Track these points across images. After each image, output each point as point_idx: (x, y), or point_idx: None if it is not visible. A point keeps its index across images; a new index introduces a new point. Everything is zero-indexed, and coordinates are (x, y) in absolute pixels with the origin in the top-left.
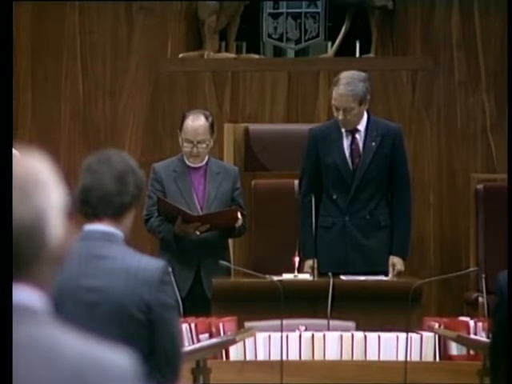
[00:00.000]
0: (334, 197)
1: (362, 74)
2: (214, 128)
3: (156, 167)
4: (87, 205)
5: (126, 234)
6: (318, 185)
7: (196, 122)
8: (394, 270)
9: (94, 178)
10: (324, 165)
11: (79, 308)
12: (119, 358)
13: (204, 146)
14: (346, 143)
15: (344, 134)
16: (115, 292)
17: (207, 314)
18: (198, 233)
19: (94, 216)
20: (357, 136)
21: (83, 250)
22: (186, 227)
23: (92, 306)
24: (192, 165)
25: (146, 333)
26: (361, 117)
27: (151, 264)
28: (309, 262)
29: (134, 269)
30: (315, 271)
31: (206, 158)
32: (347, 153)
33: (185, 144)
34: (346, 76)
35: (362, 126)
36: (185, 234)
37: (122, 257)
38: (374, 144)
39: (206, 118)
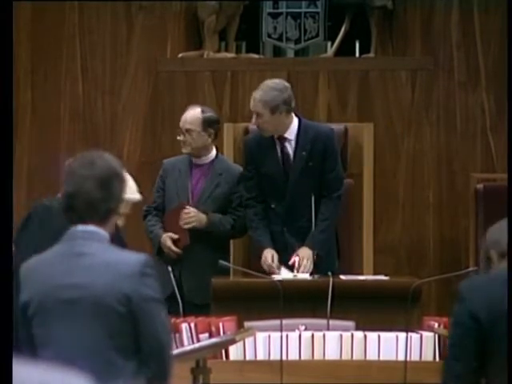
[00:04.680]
0: (273, 205)
1: (282, 84)
2: (211, 125)
3: (164, 163)
4: (72, 210)
5: (110, 234)
6: (258, 192)
7: (189, 112)
8: (300, 262)
9: (78, 183)
10: (260, 173)
11: (60, 306)
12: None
13: (192, 136)
14: (279, 152)
15: (276, 142)
16: (96, 287)
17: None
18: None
19: (80, 220)
20: (286, 145)
21: (65, 249)
22: (169, 251)
23: (73, 303)
24: (197, 162)
25: (129, 327)
26: (278, 125)
27: (132, 258)
28: (269, 252)
29: (114, 263)
30: (275, 260)
31: (212, 155)
32: (280, 162)
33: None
34: (265, 83)
35: (291, 135)
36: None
37: (102, 253)
38: (304, 153)
39: (202, 112)
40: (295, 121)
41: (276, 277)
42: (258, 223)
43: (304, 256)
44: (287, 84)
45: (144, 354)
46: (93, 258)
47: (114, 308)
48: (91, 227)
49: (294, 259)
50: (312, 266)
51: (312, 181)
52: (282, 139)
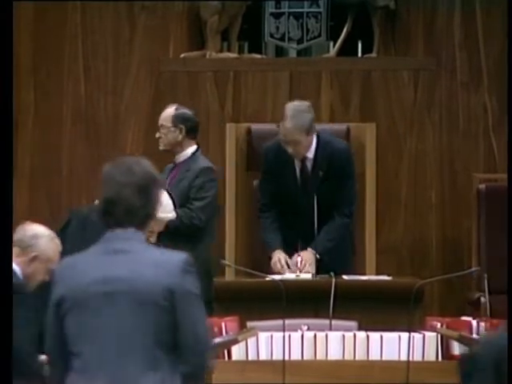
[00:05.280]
0: (289, 218)
1: (306, 104)
2: (183, 122)
3: (165, 167)
4: (111, 216)
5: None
6: (275, 200)
7: (165, 109)
8: (302, 263)
9: (116, 190)
10: (278, 186)
11: (99, 299)
12: None
13: (164, 132)
14: (298, 169)
15: (295, 160)
16: (138, 280)
17: None
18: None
19: (118, 225)
20: (307, 164)
21: (103, 248)
22: None
23: (113, 295)
24: (175, 160)
25: (170, 321)
26: (310, 145)
27: (174, 255)
28: (279, 253)
29: (156, 259)
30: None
31: (188, 153)
32: (299, 180)
33: None
34: (291, 109)
35: (310, 153)
36: None
37: (143, 250)
38: (321, 173)
39: (176, 109)
40: (314, 137)
41: (278, 277)
42: (269, 226)
43: (307, 260)
44: (308, 102)
45: (182, 348)
46: (134, 255)
47: (157, 301)
48: (130, 230)
49: (297, 259)
50: (313, 270)
51: (327, 199)
52: (303, 158)
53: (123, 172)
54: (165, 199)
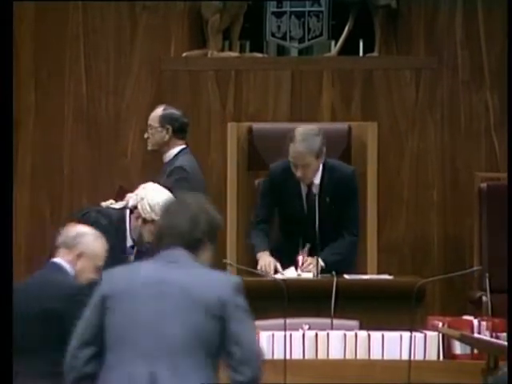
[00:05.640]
0: (291, 239)
1: (316, 128)
2: (170, 122)
3: None
4: (161, 239)
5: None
6: (272, 218)
7: (155, 109)
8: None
9: (169, 218)
10: (283, 208)
11: (145, 298)
12: None
13: (152, 132)
14: (304, 193)
15: (302, 185)
16: (190, 285)
17: None
18: None
19: (168, 248)
20: (313, 189)
21: (155, 261)
22: None
23: (162, 295)
24: (163, 160)
25: (217, 328)
26: (318, 169)
27: (227, 275)
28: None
29: (209, 273)
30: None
31: (172, 153)
32: (305, 205)
33: None
34: (301, 132)
35: (317, 178)
36: None
37: (196, 266)
38: (328, 199)
39: (164, 109)
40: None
41: (279, 276)
42: (259, 233)
43: (310, 260)
44: (317, 127)
45: (237, 359)
46: (186, 267)
47: (208, 308)
48: (179, 249)
49: (298, 258)
50: (315, 270)
51: (333, 224)
52: (310, 183)
53: (177, 204)
54: (158, 200)
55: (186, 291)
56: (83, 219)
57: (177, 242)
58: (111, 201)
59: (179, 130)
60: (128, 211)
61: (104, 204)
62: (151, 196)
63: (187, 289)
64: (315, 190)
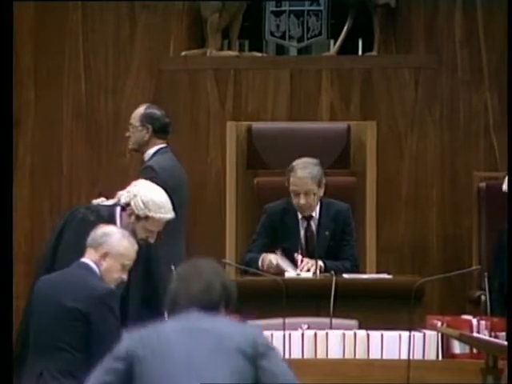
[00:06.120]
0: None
1: (315, 160)
2: (151, 121)
3: None
4: (177, 303)
5: None
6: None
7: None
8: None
9: (182, 283)
10: (280, 244)
11: (177, 347)
12: None
13: (132, 130)
14: (302, 231)
15: (300, 220)
16: (221, 330)
17: None
18: None
19: (184, 310)
20: (312, 223)
21: (176, 321)
22: None
23: (195, 343)
24: (144, 160)
25: (250, 370)
26: (318, 201)
27: (254, 329)
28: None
29: (236, 323)
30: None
31: (149, 153)
32: (303, 241)
33: None
34: (300, 162)
35: (315, 213)
36: None
37: (222, 319)
38: (327, 233)
39: (145, 108)
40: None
41: (279, 275)
42: (252, 253)
43: (310, 261)
44: (316, 159)
45: None
46: (213, 317)
47: (241, 349)
48: (200, 313)
49: (297, 258)
50: (314, 269)
51: (331, 257)
52: (308, 218)
53: (191, 270)
54: (163, 199)
55: (217, 337)
56: (71, 216)
57: (194, 305)
58: (102, 198)
59: (160, 130)
60: (119, 208)
61: (95, 201)
62: (144, 193)
63: (218, 335)
64: (314, 224)
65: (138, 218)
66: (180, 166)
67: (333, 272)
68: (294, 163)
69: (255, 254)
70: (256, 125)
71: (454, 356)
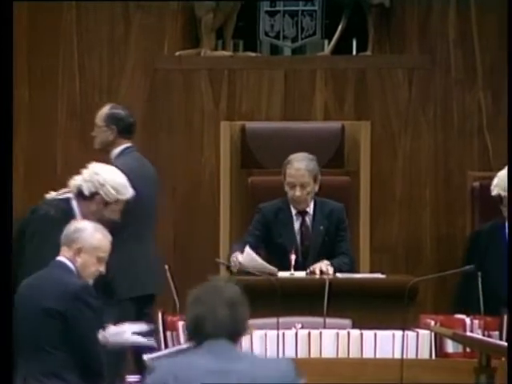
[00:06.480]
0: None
1: (312, 155)
2: (115, 122)
3: None
4: (201, 331)
5: None
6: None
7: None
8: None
9: (206, 307)
10: (274, 243)
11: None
12: None
13: (97, 131)
14: (297, 226)
15: (294, 216)
16: (254, 371)
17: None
18: None
19: (208, 339)
20: (306, 218)
21: (204, 354)
22: None
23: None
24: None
25: None
26: (312, 196)
27: (284, 362)
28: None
29: (268, 361)
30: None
31: (115, 153)
32: (298, 236)
33: None
34: (297, 156)
35: (310, 209)
36: None
37: (251, 359)
38: (322, 228)
39: (110, 108)
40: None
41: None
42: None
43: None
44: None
45: None
46: (240, 358)
47: None
48: (221, 340)
49: (291, 257)
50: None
51: (325, 254)
52: (303, 213)
53: (210, 292)
54: (124, 179)
55: (249, 377)
56: (33, 216)
57: (221, 332)
58: (53, 192)
59: (124, 130)
60: (75, 199)
61: (48, 196)
62: (110, 179)
63: (251, 375)
64: (308, 219)
65: (107, 203)
66: (147, 164)
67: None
68: (292, 156)
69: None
70: (250, 124)
71: (447, 355)
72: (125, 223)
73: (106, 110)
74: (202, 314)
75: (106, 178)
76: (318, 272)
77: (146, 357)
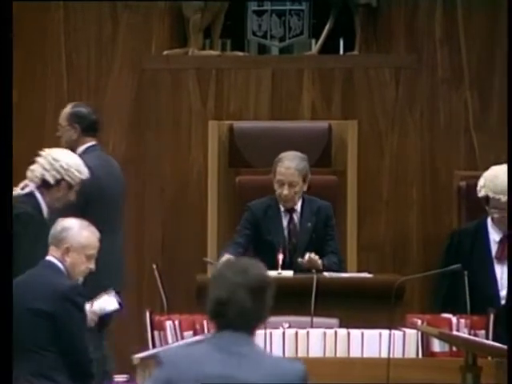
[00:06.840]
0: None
1: (303, 155)
2: (78, 120)
3: None
4: (222, 318)
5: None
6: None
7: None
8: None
9: (229, 291)
10: (263, 240)
11: None
12: None
13: (62, 130)
14: (285, 223)
15: (282, 213)
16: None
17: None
18: None
19: (228, 327)
20: (294, 216)
21: (214, 346)
22: None
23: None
24: None
25: None
26: (300, 195)
27: (291, 365)
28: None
29: (278, 366)
30: None
31: (79, 151)
32: (286, 232)
33: None
34: (288, 154)
35: (298, 206)
36: None
37: (258, 356)
38: (309, 225)
39: (72, 107)
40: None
41: None
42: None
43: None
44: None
45: None
46: (250, 360)
47: None
48: (242, 334)
49: (278, 257)
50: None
51: (313, 250)
52: (291, 210)
53: (237, 272)
54: (78, 160)
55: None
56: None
57: (239, 323)
58: (16, 188)
59: (87, 128)
60: (38, 190)
61: (15, 193)
62: (73, 162)
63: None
64: (296, 216)
65: (71, 186)
66: (112, 162)
67: (314, 270)
68: (283, 154)
69: (231, 253)
70: (238, 124)
71: (433, 354)
72: (88, 221)
73: (68, 109)
74: (224, 298)
75: (68, 161)
76: (306, 258)
77: (157, 351)
